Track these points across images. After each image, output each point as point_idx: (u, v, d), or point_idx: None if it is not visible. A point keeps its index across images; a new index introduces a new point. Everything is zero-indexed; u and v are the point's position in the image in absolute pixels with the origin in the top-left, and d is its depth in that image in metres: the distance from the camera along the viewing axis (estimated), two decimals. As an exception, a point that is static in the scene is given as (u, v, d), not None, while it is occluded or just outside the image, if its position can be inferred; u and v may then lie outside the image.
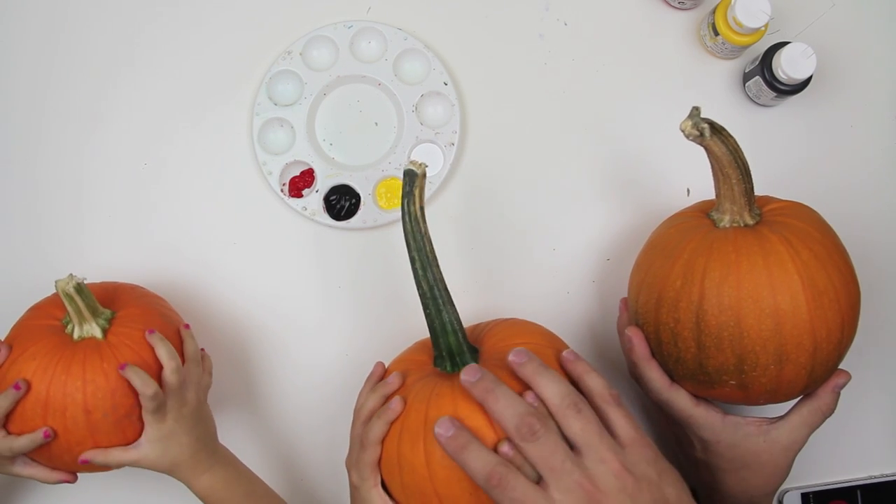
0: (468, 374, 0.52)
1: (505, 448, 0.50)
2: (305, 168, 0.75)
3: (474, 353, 0.58)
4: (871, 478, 0.74)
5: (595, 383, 0.53)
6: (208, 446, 0.64)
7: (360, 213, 0.74)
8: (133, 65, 0.76)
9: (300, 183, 0.74)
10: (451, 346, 0.58)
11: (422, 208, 0.57)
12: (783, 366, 0.55)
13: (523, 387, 0.53)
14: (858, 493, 0.73)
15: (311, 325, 0.74)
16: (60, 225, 0.74)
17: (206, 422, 0.64)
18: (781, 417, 0.61)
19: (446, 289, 0.58)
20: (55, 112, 0.76)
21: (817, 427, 0.61)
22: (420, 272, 0.57)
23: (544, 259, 0.75)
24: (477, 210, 0.76)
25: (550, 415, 0.51)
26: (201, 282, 0.74)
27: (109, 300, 0.64)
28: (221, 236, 0.75)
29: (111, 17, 0.77)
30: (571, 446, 0.50)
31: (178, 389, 0.61)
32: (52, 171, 0.75)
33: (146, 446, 0.60)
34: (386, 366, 0.64)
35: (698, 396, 0.61)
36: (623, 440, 0.51)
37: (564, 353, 0.56)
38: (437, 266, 0.57)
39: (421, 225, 0.57)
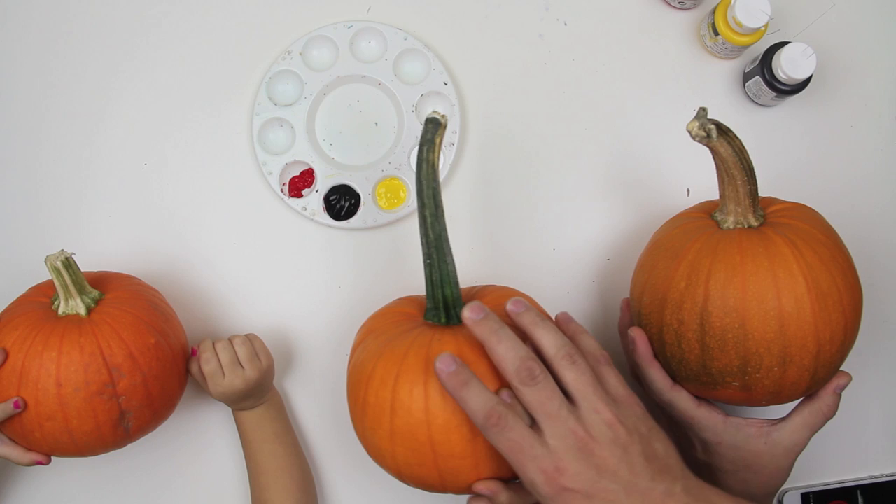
0: (473, 310, 0.53)
1: (504, 395, 0.51)
2: (305, 168, 0.75)
3: None
4: (871, 478, 0.74)
5: (588, 344, 0.55)
6: (254, 396, 0.68)
7: (360, 213, 0.74)
8: (133, 64, 0.76)
9: (300, 183, 0.74)
10: (447, 298, 0.58)
11: (438, 158, 0.58)
12: (787, 368, 0.55)
13: (521, 337, 0.54)
14: (858, 493, 0.73)
15: (310, 325, 0.74)
16: (61, 224, 0.74)
17: (265, 381, 0.68)
18: (783, 419, 0.61)
19: (448, 241, 0.58)
20: (56, 111, 0.75)
21: (819, 429, 0.61)
22: (429, 219, 0.57)
23: (544, 259, 0.75)
24: (476, 210, 0.76)
25: (546, 364, 0.51)
26: (201, 281, 0.74)
27: (101, 284, 0.65)
28: (221, 236, 0.75)
29: (112, 17, 0.77)
30: (567, 397, 0.51)
31: (217, 373, 0.65)
32: (53, 170, 0.75)
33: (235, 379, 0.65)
34: (369, 316, 0.64)
35: (700, 398, 0.61)
36: (614, 396, 0.52)
37: (559, 315, 0.58)
38: (444, 217, 0.58)
39: (436, 173, 0.57)
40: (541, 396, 0.50)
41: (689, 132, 0.55)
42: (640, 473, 0.49)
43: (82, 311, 0.61)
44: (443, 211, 0.58)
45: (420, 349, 0.55)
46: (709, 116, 0.55)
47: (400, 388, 0.54)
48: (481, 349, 0.54)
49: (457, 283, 0.59)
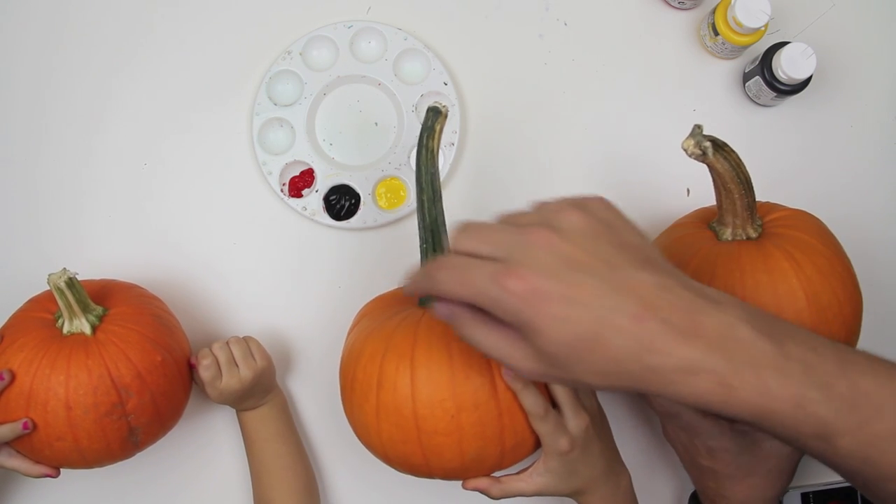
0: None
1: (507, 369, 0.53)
2: (305, 168, 0.75)
3: None
4: (870, 478, 0.73)
5: None
6: (255, 395, 0.69)
7: (359, 213, 0.74)
8: (133, 65, 0.76)
9: (300, 183, 0.74)
10: None
11: (438, 146, 0.59)
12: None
13: None
14: (858, 493, 0.73)
15: (310, 325, 0.74)
16: (61, 225, 0.74)
17: (263, 381, 0.68)
18: None
19: (445, 225, 0.60)
20: (56, 112, 0.75)
21: None
22: (426, 204, 0.59)
23: (544, 259, 0.75)
24: (477, 210, 0.76)
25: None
26: (201, 281, 0.74)
27: (104, 297, 0.64)
28: (221, 236, 0.75)
29: (112, 18, 0.76)
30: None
31: (216, 378, 0.65)
32: (52, 171, 0.75)
33: (216, 389, 0.66)
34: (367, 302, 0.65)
35: None
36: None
37: None
38: (441, 203, 0.59)
39: (435, 160, 0.59)
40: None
41: (685, 150, 0.55)
42: (620, 264, 0.41)
43: (87, 330, 0.61)
44: (440, 196, 0.59)
45: (409, 326, 0.56)
46: (703, 129, 0.55)
47: (387, 363, 0.55)
48: None
49: None
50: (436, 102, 0.59)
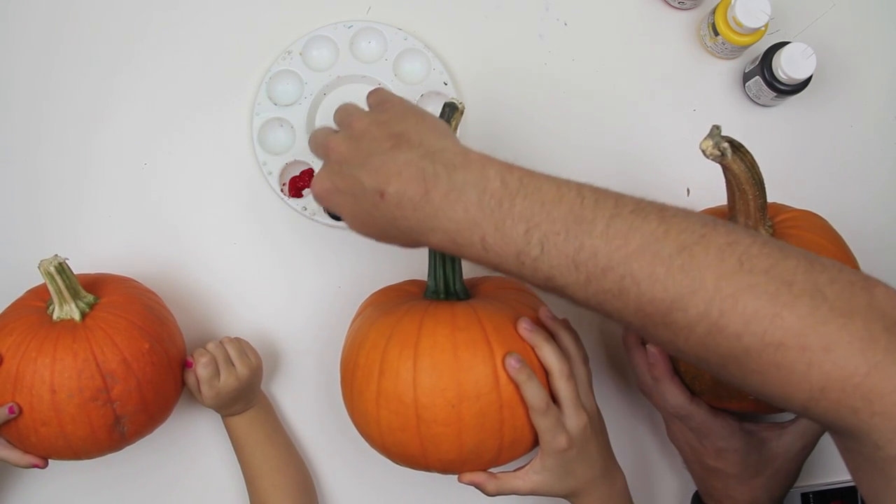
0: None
1: (511, 360, 0.54)
2: (305, 168, 0.75)
3: (467, 290, 0.62)
4: (871, 477, 0.73)
5: None
6: (245, 398, 0.68)
7: (360, 213, 0.74)
8: (133, 65, 0.76)
9: (300, 183, 0.74)
10: (447, 277, 0.60)
11: None
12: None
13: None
14: (859, 493, 0.72)
15: (310, 326, 0.74)
16: (61, 224, 0.74)
17: (249, 387, 0.68)
18: (792, 421, 0.61)
19: None
20: (56, 112, 0.75)
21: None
22: None
23: (545, 259, 0.75)
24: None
25: None
26: (200, 281, 0.74)
27: (97, 288, 0.64)
28: (221, 236, 0.75)
29: (112, 17, 0.76)
30: None
31: (214, 377, 0.65)
32: (52, 171, 0.74)
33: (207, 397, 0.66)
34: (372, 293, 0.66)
35: (714, 407, 0.62)
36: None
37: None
38: None
39: None
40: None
41: (703, 151, 0.55)
42: (374, 152, 0.48)
43: (76, 316, 0.61)
44: None
45: (414, 315, 0.57)
46: (715, 129, 0.55)
47: (390, 349, 0.55)
48: (476, 319, 0.56)
49: (459, 263, 0.60)
50: (452, 98, 0.60)
